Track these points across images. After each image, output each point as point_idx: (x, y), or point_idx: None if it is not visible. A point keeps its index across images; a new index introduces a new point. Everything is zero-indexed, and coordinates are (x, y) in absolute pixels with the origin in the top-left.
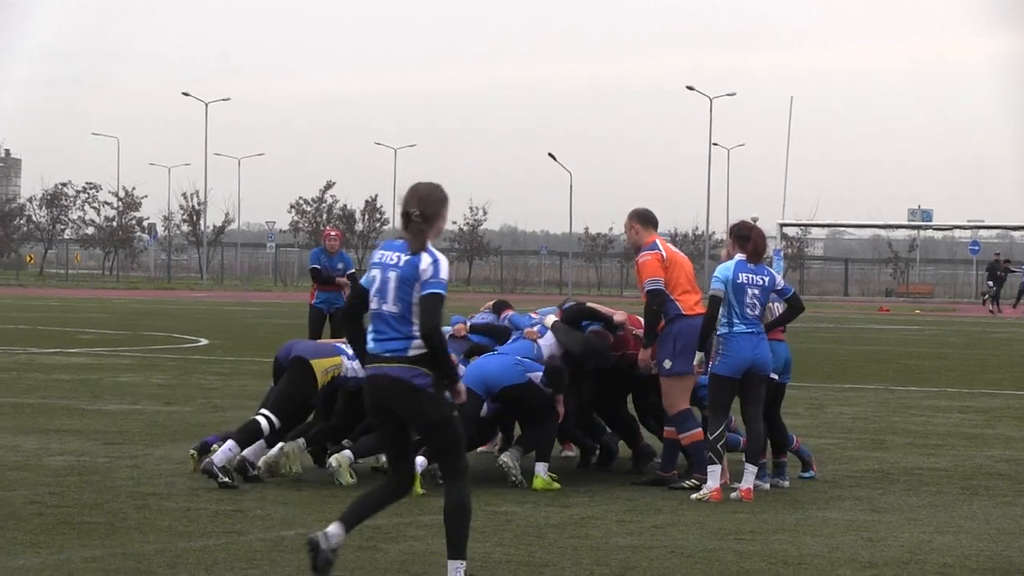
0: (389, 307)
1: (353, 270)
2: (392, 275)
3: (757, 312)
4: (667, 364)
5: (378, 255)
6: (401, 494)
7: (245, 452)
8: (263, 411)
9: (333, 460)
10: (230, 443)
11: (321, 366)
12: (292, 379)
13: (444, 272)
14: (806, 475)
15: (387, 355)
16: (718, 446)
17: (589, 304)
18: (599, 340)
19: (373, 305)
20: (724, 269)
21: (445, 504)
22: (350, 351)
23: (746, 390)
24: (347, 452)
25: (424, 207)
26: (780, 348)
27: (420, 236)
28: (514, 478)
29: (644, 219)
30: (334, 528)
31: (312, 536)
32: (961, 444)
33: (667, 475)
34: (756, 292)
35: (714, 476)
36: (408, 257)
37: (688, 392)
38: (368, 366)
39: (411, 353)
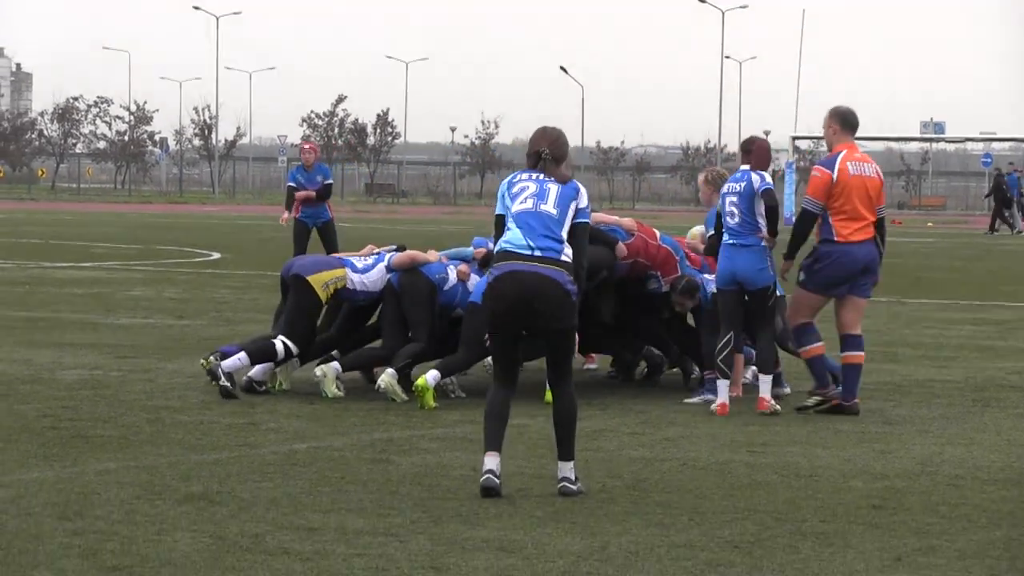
0: (548, 208)
1: (331, 180)
2: (552, 187)
3: (737, 220)
4: (800, 276)
5: (524, 176)
6: (512, 395)
7: (252, 371)
8: (281, 337)
9: (318, 370)
10: (242, 355)
11: (320, 280)
12: (294, 298)
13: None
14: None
15: (539, 254)
16: (721, 360)
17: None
18: (601, 251)
19: (525, 205)
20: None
21: (557, 409)
22: (359, 264)
23: (747, 304)
24: (335, 364)
25: (555, 148)
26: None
27: (555, 171)
28: (452, 394)
29: (844, 120)
30: (490, 461)
31: (487, 484)
32: (973, 356)
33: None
34: (734, 199)
35: (721, 390)
36: (567, 183)
37: (812, 310)
38: (510, 262)
39: (563, 258)
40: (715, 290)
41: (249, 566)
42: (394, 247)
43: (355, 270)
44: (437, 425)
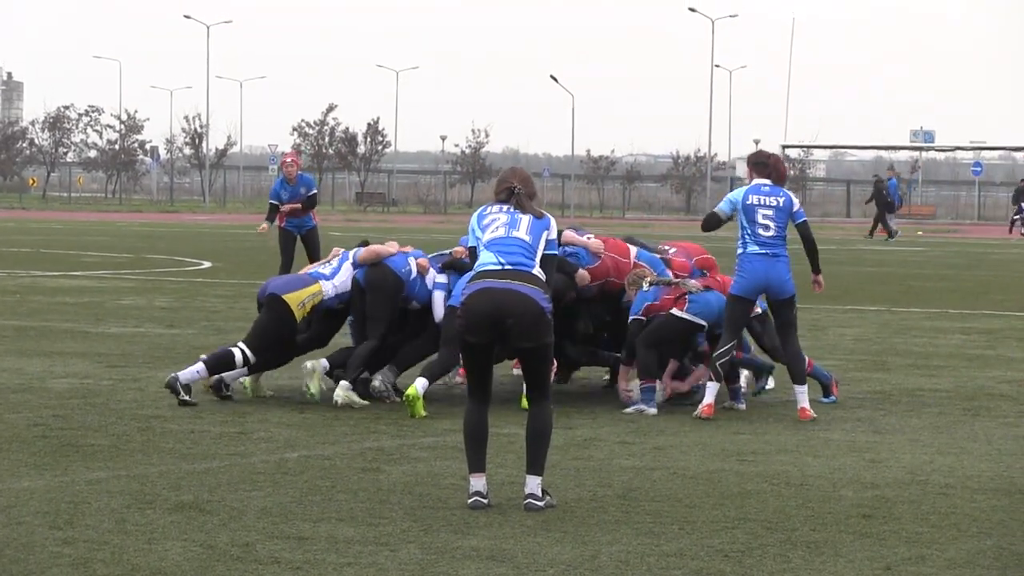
0: (521, 235)
1: (315, 190)
2: (524, 217)
3: (772, 233)
4: None
5: (495, 208)
6: (487, 409)
7: (225, 374)
8: (239, 343)
9: (308, 363)
10: (199, 365)
11: (296, 299)
12: (268, 315)
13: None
14: (827, 400)
15: (510, 268)
16: (718, 364)
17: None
18: (560, 279)
19: (499, 233)
20: (737, 192)
21: (532, 424)
22: (326, 270)
23: (775, 315)
24: (323, 360)
25: (526, 185)
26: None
27: (527, 206)
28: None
29: None
30: (477, 483)
31: (473, 504)
32: (963, 365)
33: None
34: (768, 213)
35: (710, 393)
36: (536, 216)
37: None
38: (485, 280)
39: (535, 271)
40: (731, 295)
41: (240, 575)
42: (357, 246)
43: (326, 279)
44: (427, 434)
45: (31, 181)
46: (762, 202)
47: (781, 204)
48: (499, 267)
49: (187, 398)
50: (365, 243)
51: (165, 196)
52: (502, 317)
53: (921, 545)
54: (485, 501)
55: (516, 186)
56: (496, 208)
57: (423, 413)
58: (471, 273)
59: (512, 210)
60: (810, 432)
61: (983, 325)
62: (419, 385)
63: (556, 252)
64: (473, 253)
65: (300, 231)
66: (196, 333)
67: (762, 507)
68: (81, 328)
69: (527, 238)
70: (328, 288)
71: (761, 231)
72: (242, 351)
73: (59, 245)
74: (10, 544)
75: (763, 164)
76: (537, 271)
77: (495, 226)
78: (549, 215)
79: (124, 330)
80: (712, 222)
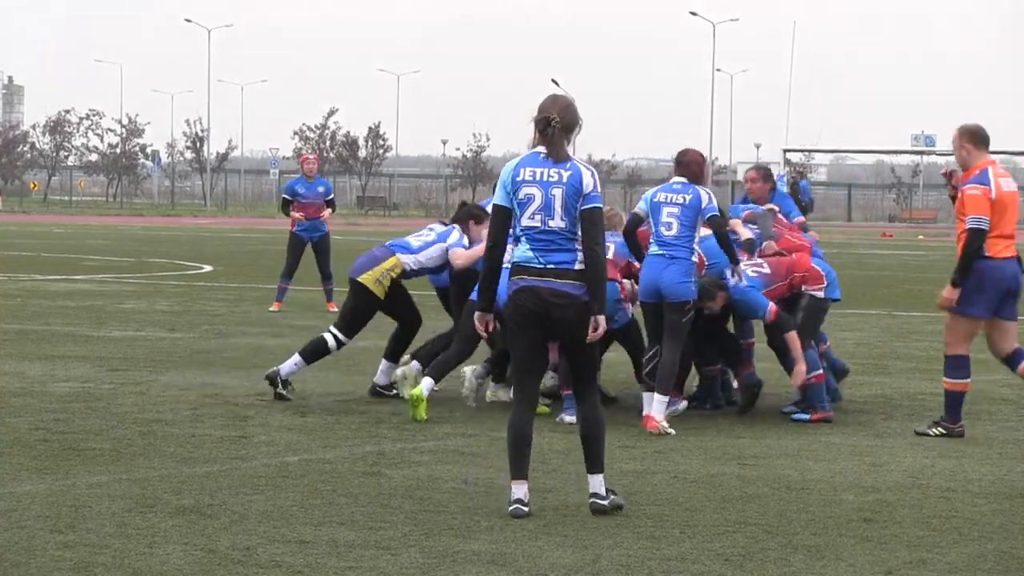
0: (556, 223)
1: (332, 195)
2: (557, 192)
3: (673, 233)
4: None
5: (528, 172)
6: (533, 413)
7: (282, 369)
8: (330, 327)
9: (400, 372)
10: (296, 357)
11: (371, 278)
12: (350, 297)
13: (599, 185)
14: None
15: (552, 267)
16: (645, 373)
17: None
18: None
19: (533, 222)
20: (652, 190)
21: (584, 426)
22: (415, 243)
23: (664, 316)
24: (415, 364)
25: (565, 115)
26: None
27: (560, 144)
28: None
29: (977, 138)
30: (518, 490)
31: (514, 512)
32: None
33: (954, 426)
34: (674, 211)
35: (647, 403)
36: (570, 172)
37: (968, 338)
38: (527, 278)
39: (577, 267)
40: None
41: None
42: (459, 217)
43: (410, 251)
44: (429, 438)
45: (32, 185)
46: (669, 199)
47: (688, 202)
48: (541, 267)
49: (283, 392)
50: (469, 211)
51: (166, 200)
52: (549, 310)
53: (922, 549)
54: (526, 509)
55: (554, 117)
56: (530, 175)
57: (424, 416)
58: (513, 258)
59: (545, 179)
60: (811, 436)
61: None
62: (425, 386)
63: (597, 204)
64: (500, 214)
65: (312, 236)
66: (197, 337)
67: (763, 511)
68: (82, 332)
69: (563, 223)
70: (409, 261)
71: (663, 230)
72: (333, 335)
73: (60, 249)
74: (11, 548)
75: (679, 162)
76: (579, 264)
77: (531, 209)
78: (579, 164)
79: (125, 334)
80: (633, 223)
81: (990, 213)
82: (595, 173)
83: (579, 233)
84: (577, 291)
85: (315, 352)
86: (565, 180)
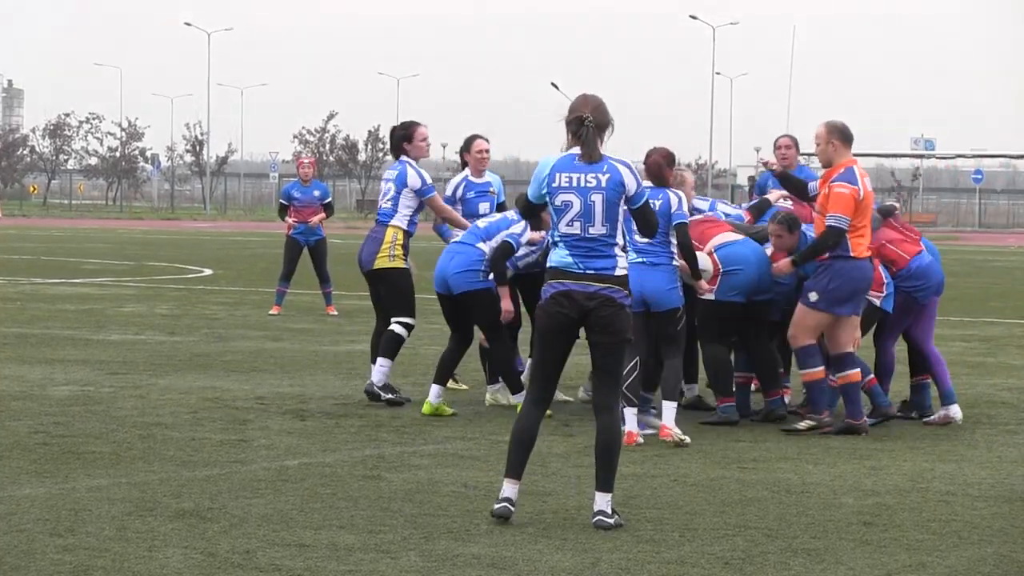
0: (597, 229)
1: (329, 199)
2: (597, 198)
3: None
4: (812, 296)
5: (564, 178)
6: (542, 417)
7: (374, 380)
8: (392, 321)
9: (489, 398)
10: (381, 360)
11: (383, 261)
12: (381, 288)
13: (640, 178)
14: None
15: (591, 272)
16: (624, 387)
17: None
18: None
19: (572, 229)
20: None
21: (601, 437)
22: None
23: (655, 326)
24: (496, 383)
25: (597, 114)
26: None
27: (594, 144)
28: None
29: (844, 136)
30: (509, 489)
31: (499, 510)
32: (964, 372)
33: (857, 422)
34: None
35: (629, 420)
36: (608, 175)
37: (816, 331)
38: (563, 281)
39: (618, 272)
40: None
41: None
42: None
43: (408, 227)
44: (428, 442)
45: (32, 188)
46: None
47: (658, 207)
48: (579, 271)
49: (392, 396)
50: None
51: (166, 203)
52: (584, 313)
53: (922, 552)
54: (512, 509)
55: (587, 116)
56: (566, 181)
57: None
58: (549, 262)
59: (584, 184)
60: (810, 439)
61: (983, 332)
62: (432, 397)
63: (643, 202)
64: (530, 209)
65: (309, 240)
66: (197, 340)
67: (763, 514)
68: (82, 335)
69: (604, 229)
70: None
71: (637, 236)
72: (400, 324)
73: (60, 252)
74: (11, 551)
75: (645, 166)
76: (620, 269)
77: (569, 216)
78: (617, 163)
79: (125, 337)
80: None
81: (854, 214)
82: (632, 167)
83: (619, 239)
84: (617, 295)
85: (389, 347)
86: (604, 184)
